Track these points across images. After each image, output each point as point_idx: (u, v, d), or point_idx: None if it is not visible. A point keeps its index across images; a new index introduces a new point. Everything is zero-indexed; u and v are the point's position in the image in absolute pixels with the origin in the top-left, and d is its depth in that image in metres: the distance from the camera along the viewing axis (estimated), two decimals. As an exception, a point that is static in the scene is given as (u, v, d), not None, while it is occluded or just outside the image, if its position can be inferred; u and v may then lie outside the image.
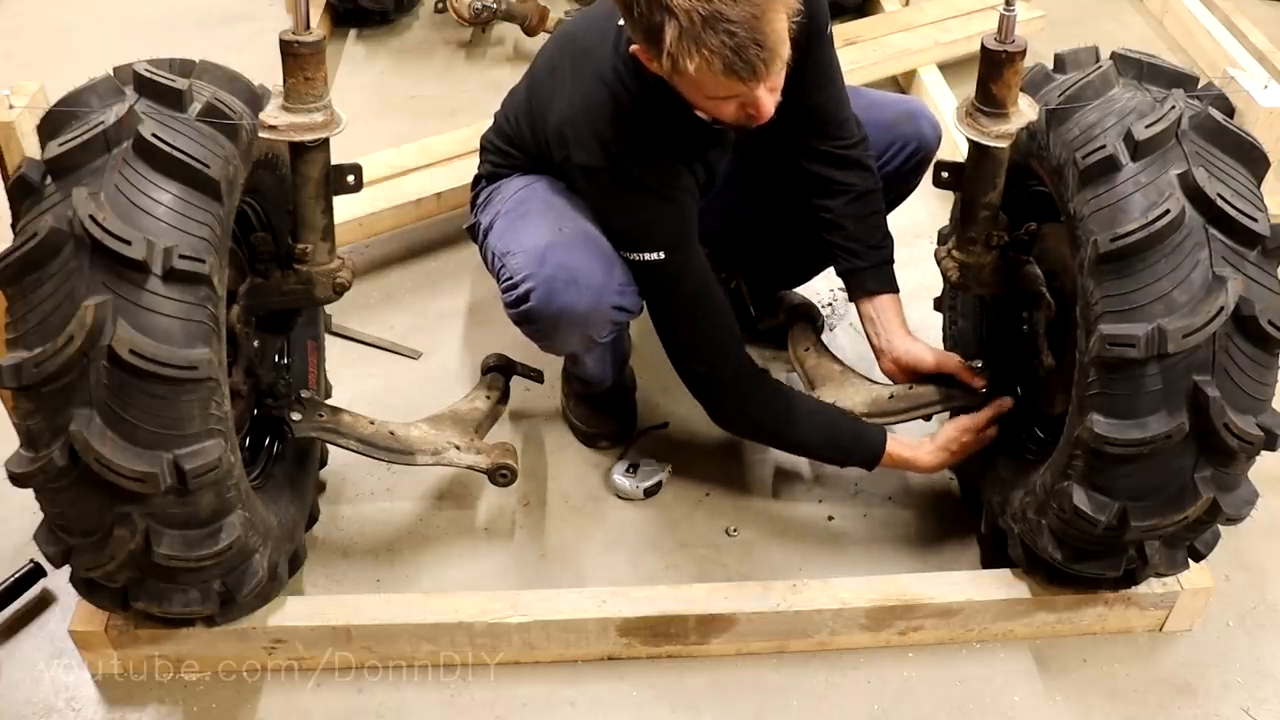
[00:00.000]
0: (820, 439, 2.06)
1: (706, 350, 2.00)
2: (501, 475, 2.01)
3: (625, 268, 1.94)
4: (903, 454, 2.03)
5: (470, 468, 2.03)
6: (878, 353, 2.10)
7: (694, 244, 1.95)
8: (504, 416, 2.22)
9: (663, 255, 1.90)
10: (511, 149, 2.11)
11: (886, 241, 2.14)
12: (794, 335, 2.29)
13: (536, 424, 2.35)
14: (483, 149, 2.22)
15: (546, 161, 2.00)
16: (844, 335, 2.55)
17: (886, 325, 2.08)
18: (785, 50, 1.63)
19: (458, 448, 2.02)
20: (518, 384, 2.27)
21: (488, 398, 2.15)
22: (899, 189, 2.25)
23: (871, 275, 2.11)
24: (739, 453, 2.29)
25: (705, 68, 1.58)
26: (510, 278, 1.94)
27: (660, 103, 1.81)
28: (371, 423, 2.01)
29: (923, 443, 2.05)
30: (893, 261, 2.13)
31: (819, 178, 2.11)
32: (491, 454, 2.02)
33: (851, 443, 2.04)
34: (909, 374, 2.07)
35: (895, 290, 2.12)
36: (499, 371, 2.23)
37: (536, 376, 2.30)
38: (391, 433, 2.00)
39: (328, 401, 2.09)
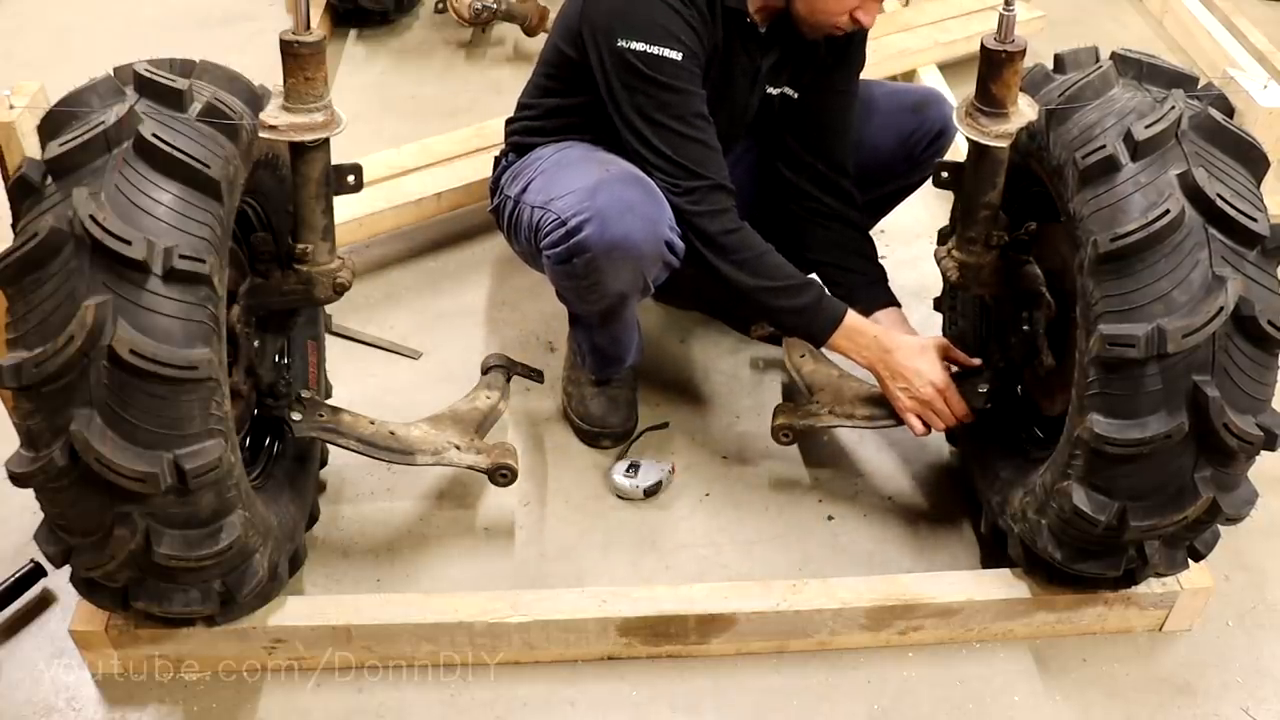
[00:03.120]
0: (782, 295, 2.02)
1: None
2: (501, 475, 2.01)
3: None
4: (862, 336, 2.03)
5: (470, 468, 2.03)
6: None
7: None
8: (504, 416, 2.22)
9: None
10: (544, 96, 2.15)
11: (875, 259, 2.20)
12: (790, 342, 2.29)
13: (536, 424, 2.35)
14: (508, 124, 2.26)
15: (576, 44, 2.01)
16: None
17: (900, 337, 2.08)
18: None
19: (458, 448, 2.02)
20: (518, 384, 2.27)
21: (488, 397, 2.15)
22: (919, 173, 2.29)
23: (868, 292, 2.15)
24: (739, 453, 2.29)
25: None
26: (557, 218, 1.95)
27: None
28: (371, 423, 2.01)
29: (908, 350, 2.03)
30: (886, 279, 2.19)
31: (803, 193, 2.20)
32: (491, 454, 2.02)
33: (810, 311, 2.02)
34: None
35: (896, 303, 2.16)
36: (499, 371, 2.23)
37: (537, 376, 2.30)
38: (391, 433, 2.00)
39: (328, 401, 2.09)
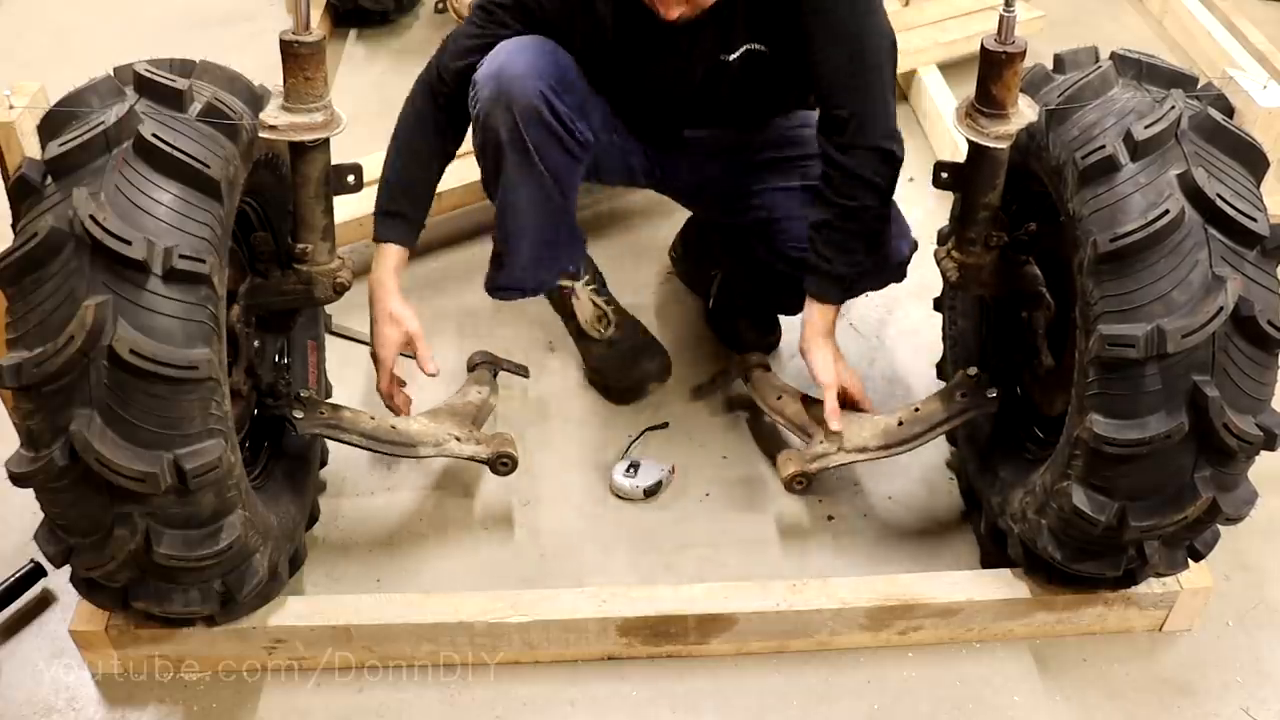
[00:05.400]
0: None
1: None
2: (502, 464, 2.01)
3: (571, 68, 2.01)
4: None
5: (472, 458, 2.03)
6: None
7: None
8: (503, 416, 2.22)
9: None
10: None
11: (841, 257, 2.02)
12: (757, 385, 2.22)
13: (537, 424, 2.35)
14: None
15: None
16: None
17: (804, 329, 2.05)
18: None
19: (458, 439, 2.02)
20: (519, 384, 2.27)
21: (478, 393, 2.16)
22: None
23: (811, 281, 2.05)
24: (739, 453, 2.29)
25: None
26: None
27: None
28: (372, 418, 2.01)
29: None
30: (840, 278, 2.03)
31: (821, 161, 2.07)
32: (491, 443, 2.03)
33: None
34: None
35: (824, 300, 2.03)
36: (485, 368, 2.23)
37: (522, 372, 2.31)
38: (392, 426, 2.00)
39: (327, 401, 2.09)
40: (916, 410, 2.05)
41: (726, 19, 1.99)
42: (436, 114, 2.09)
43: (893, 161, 1.98)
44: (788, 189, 2.18)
